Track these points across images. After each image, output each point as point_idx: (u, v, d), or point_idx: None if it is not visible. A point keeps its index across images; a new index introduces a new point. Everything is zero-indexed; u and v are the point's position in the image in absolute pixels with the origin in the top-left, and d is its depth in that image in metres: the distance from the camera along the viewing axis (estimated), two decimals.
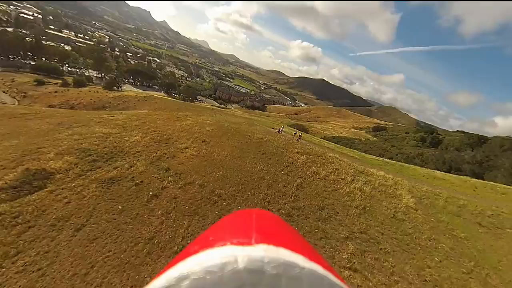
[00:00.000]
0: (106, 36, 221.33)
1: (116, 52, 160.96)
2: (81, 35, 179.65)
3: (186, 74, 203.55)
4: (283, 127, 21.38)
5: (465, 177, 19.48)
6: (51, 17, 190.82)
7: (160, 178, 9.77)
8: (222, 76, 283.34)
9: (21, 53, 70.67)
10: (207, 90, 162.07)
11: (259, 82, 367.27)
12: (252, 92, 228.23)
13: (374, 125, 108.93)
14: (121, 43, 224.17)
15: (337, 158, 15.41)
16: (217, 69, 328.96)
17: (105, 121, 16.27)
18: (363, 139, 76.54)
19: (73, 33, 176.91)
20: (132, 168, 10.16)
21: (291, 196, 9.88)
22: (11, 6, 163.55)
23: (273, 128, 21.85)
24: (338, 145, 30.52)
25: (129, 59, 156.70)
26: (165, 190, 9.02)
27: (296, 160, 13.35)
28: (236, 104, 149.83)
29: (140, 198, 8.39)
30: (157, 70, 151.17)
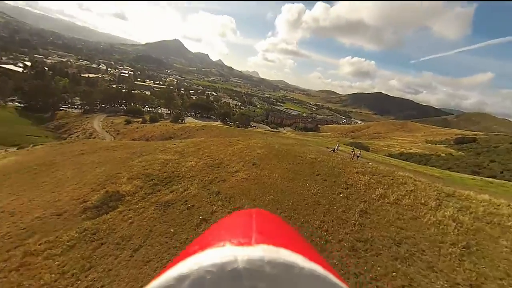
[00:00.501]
0: (174, 80, 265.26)
1: (181, 91, 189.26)
2: (157, 82, 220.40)
3: (239, 103, 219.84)
4: (338, 145, 19.49)
5: None
6: (139, 72, 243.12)
7: (211, 202, 9.79)
8: (273, 101, 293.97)
9: (119, 101, 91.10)
10: (260, 116, 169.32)
11: (310, 104, 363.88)
12: (304, 114, 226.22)
13: (456, 136, 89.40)
14: (186, 83, 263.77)
15: (411, 177, 12.64)
16: (268, 95, 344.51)
17: (167, 149, 18.23)
18: (443, 155, 63.21)
19: (152, 81, 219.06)
20: (186, 191, 10.59)
21: (354, 224, 8.27)
22: (116, 69, 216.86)
23: (327, 148, 20.22)
24: (408, 162, 25.75)
25: (192, 96, 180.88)
26: (214, 215, 8.89)
27: (356, 181, 11.54)
28: (289, 127, 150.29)
29: (191, 221, 8.44)
30: (214, 102, 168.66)
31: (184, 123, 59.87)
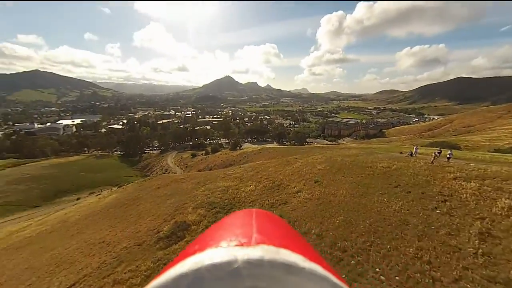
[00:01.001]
0: (230, 111, 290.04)
1: (237, 120, 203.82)
2: (215, 116, 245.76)
3: (293, 122, 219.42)
4: (416, 148, 15.89)
5: None
6: (199, 111, 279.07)
7: None
8: (327, 114, 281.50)
9: (186, 138, 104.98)
10: (315, 131, 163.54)
11: (368, 109, 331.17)
12: (364, 121, 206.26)
13: None
14: (240, 113, 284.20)
15: None
16: (320, 109, 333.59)
17: (227, 176, 18.77)
18: None
19: (211, 116, 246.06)
20: None
21: (475, 254, 5.88)
22: (182, 112, 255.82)
23: (401, 153, 16.84)
24: None
25: (246, 123, 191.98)
26: None
27: (458, 191, 8.70)
28: (348, 138, 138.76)
29: None
30: (268, 125, 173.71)
31: (242, 149, 62.87)
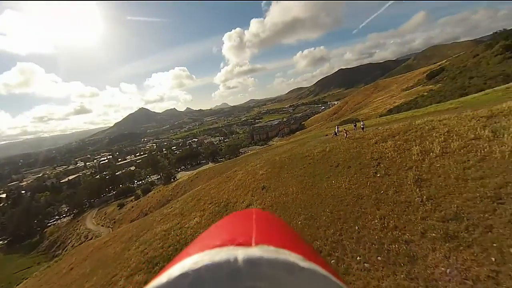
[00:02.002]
0: (154, 144, 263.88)
1: (164, 152, 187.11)
2: (138, 154, 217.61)
3: (222, 138, 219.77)
4: (337, 127, 17.81)
5: None
6: (117, 153, 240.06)
7: None
8: (251, 121, 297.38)
9: (107, 189, 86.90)
10: (245, 140, 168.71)
11: (285, 108, 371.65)
12: (285, 119, 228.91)
13: (426, 73, 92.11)
14: (165, 143, 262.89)
15: (432, 120, 10.90)
16: (244, 118, 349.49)
17: (165, 216, 15.68)
18: (425, 93, 63.63)
19: (133, 155, 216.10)
20: None
21: (422, 202, 6.15)
22: (94, 160, 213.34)
23: (326, 135, 18.49)
24: (408, 112, 24.33)
25: (175, 151, 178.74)
26: None
27: (383, 152, 9.58)
28: (276, 137, 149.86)
29: None
30: (198, 147, 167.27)
31: (177, 179, 57.05)
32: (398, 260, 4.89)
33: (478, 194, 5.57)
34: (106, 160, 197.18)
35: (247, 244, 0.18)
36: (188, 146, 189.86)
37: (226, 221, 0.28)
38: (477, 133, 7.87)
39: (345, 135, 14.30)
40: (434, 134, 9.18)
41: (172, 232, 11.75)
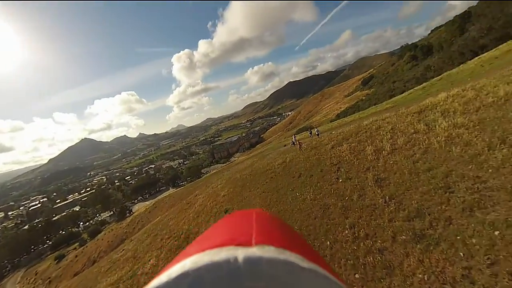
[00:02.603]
0: (103, 177, 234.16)
1: (116, 184, 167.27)
2: (84, 191, 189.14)
3: (181, 160, 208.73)
4: (294, 137, 18.10)
5: None
6: (54, 194, 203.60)
7: None
8: (211, 140, 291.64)
9: (38, 241, 71.46)
10: (207, 160, 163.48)
11: (243, 123, 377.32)
12: (243, 134, 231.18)
13: (360, 80, 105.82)
14: (117, 174, 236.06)
15: (376, 120, 11.75)
16: (203, 138, 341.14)
17: (114, 263, 13.04)
18: (363, 97, 72.42)
19: (76, 193, 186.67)
20: None
21: (385, 202, 6.07)
22: (20, 208, 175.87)
23: (285, 145, 18.60)
24: (355, 115, 26.69)
25: (130, 182, 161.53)
26: None
27: (341, 156, 9.70)
28: (237, 153, 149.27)
29: None
30: (157, 174, 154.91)
31: (133, 213, 50.67)
32: (376, 274, 4.47)
33: (431, 187, 5.70)
34: (39, 205, 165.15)
35: (247, 244, 0.18)
36: (144, 174, 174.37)
37: (226, 221, 0.28)
38: (415, 127, 8.53)
39: (299, 147, 13.88)
40: (381, 133, 9.72)
41: (121, 285, 9.58)
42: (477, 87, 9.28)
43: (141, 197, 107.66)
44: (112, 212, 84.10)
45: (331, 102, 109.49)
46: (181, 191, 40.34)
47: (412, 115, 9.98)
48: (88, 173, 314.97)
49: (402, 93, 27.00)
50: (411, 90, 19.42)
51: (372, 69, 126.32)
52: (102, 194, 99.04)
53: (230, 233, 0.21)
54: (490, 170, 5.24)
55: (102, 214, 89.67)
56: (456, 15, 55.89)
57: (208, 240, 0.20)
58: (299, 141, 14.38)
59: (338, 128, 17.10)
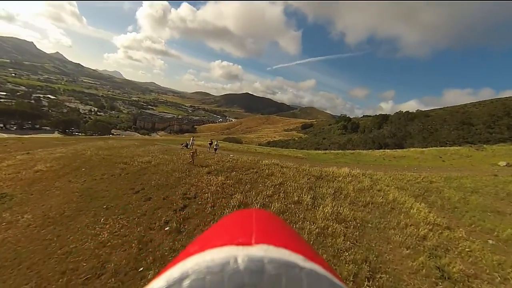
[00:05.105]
0: None
1: None
2: None
3: (95, 109, 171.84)
4: (193, 139, 14.74)
5: (420, 149, 17.70)
6: None
7: None
8: (142, 105, 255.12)
9: None
10: (125, 122, 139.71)
11: (185, 106, 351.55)
12: (180, 116, 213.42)
13: (302, 124, 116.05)
14: None
15: (277, 164, 9.88)
16: (135, 98, 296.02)
17: None
18: (296, 138, 78.25)
19: None
20: None
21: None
22: None
23: (181, 144, 14.99)
24: (274, 148, 26.12)
25: (1, 100, 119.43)
26: None
27: (203, 189, 6.92)
28: (162, 131, 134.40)
29: None
30: (51, 108, 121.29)
31: None
32: None
33: None
34: None
35: (247, 243, 0.18)
36: (33, 101, 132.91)
37: (226, 220, 0.28)
38: (301, 196, 6.66)
39: (191, 158, 9.93)
40: (267, 183, 7.59)
41: None
42: (374, 177, 8.55)
43: (1, 126, 79.74)
44: None
45: (271, 129, 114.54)
46: (47, 140, 29.96)
47: (309, 178, 8.39)
48: None
49: (323, 150, 28.83)
50: (327, 151, 20.05)
51: (315, 120, 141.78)
52: None
53: (230, 232, 0.21)
54: None
55: None
56: (381, 114, 69.91)
57: (208, 240, 0.20)
58: (195, 153, 10.39)
59: (252, 154, 14.97)
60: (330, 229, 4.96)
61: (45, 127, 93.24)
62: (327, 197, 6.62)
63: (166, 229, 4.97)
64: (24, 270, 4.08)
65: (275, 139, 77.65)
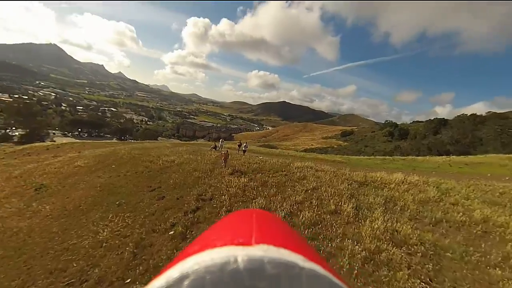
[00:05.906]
0: (52, 94, 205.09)
1: (62, 107, 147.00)
2: (18, 96, 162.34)
3: (146, 119, 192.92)
4: (222, 141, 14.30)
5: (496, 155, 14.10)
6: None
7: None
8: (185, 115, 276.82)
9: None
10: (169, 131, 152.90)
11: (224, 115, 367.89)
12: (219, 125, 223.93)
13: (341, 131, 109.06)
14: (71, 98, 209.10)
15: (311, 167, 8.51)
16: (180, 109, 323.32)
17: None
18: (335, 146, 73.28)
19: (8, 94, 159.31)
20: None
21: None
22: None
23: (210, 146, 14.67)
24: (313, 153, 24.27)
25: (79, 112, 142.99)
26: None
27: (223, 189, 6.08)
28: (202, 139, 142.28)
29: None
30: (113, 119, 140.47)
31: (41, 142, 41.76)
32: None
33: None
34: None
35: (247, 243, 0.18)
36: (100, 113, 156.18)
37: (226, 220, 0.28)
38: (339, 204, 5.25)
39: (223, 161, 8.90)
40: (297, 187, 6.36)
41: None
42: (442, 186, 6.49)
43: (76, 133, 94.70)
44: (25, 132, 70.76)
45: (308, 137, 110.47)
46: (103, 144, 33.78)
47: (351, 183, 6.86)
48: (38, 82, 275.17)
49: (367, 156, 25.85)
50: (372, 156, 17.52)
51: (356, 127, 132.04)
52: (28, 108, 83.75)
53: (230, 232, 0.21)
54: None
55: (14, 129, 75.39)
56: (436, 118, 60.52)
57: (208, 240, 0.20)
58: (227, 150, 9.79)
59: (276, 156, 13.80)
60: (384, 254, 3.51)
61: (106, 135, 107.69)
62: (375, 208, 5.07)
63: (170, 233, 4.21)
64: (20, 263, 3.75)
65: (313, 146, 74.10)
